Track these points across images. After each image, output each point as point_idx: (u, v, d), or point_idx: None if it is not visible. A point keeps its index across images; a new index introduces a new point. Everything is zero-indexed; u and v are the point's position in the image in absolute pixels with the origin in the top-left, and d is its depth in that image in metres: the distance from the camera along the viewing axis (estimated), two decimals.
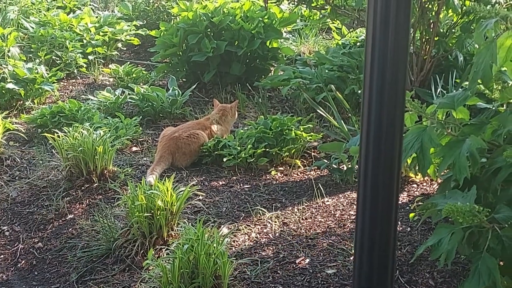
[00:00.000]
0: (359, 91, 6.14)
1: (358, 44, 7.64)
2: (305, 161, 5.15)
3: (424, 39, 6.22)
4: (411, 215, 4.01)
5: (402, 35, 1.39)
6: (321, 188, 4.48)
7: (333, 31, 9.77)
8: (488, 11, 3.44)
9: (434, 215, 3.47)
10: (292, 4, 10.52)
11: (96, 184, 4.66)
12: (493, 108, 3.65)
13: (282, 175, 4.91)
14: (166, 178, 3.92)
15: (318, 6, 6.31)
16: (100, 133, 4.79)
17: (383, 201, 1.43)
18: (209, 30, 7.10)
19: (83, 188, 4.67)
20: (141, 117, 6.01)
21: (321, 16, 8.63)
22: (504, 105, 3.60)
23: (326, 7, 6.35)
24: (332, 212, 4.21)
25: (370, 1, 1.39)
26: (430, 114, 3.56)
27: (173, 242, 3.42)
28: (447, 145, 3.40)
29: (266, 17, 7.22)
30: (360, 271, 1.43)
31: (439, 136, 3.53)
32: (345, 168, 4.75)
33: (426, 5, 5.98)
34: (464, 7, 6.11)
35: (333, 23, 9.92)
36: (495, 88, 3.55)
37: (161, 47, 7.24)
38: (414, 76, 6.19)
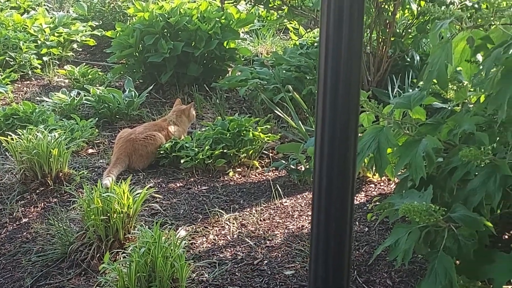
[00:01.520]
0: (317, 91, 6.15)
1: (315, 44, 7.67)
2: (263, 162, 5.15)
3: (380, 40, 6.26)
4: (369, 215, 4.02)
5: (356, 35, 1.38)
6: (279, 189, 4.48)
7: (291, 32, 9.80)
8: (443, 11, 3.46)
9: (391, 215, 3.48)
10: (249, 4, 10.53)
11: (51, 187, 4.59)
12: (449, 108, 3.68)
13: (240, 176, 4.90)
14: (123, 181, 3.88)
15: (275, 6, 6.31)
16: (55, 136, 4.72)
17: (338, 202, 1.42)
18: (165, 30, 7.06)
19: (37, 191, 4.60)
20: (97, 118, 5.96)
21: (278, 16, 8.65)
22: (460, 105, 3.64)
23: (283, 7, 6.35)
24: (290, 213, 4.21)
25: (324, 1, 1.38)
26: (387, 114, 3.58)
27: (130, 246, 3.37)
28: (403, 145, 3.42)
29: (223, 17, 7.20)
30: (315, 273, 1.42)
31: (396, 136, 3.56)
32: (303, 168, 4.76)
33: (383, 6, 6.02)
34: (420, 8, 6.16)
35: (291, 23, 9.94)
36: (451, 88, 3.58)
37: (117, 48, 7.18)
38: (371, 76, 6.23)
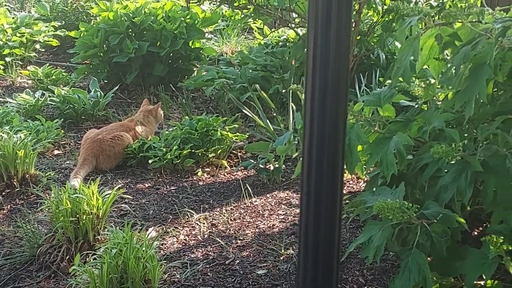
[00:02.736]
0: (283, 91, 6.16)
1: (280, 43, 7.67)
2: (231, 161, 5.13)
3: None
4: None
5: (343, 35, 1.37)
6: (249, 188, 4.46)
7: (255, 31, 9.79)
8: (412, 9, 3.47)
9: (362, 213, 3.48)
10: (214, 4, 10.51)
11: (17, 189, 4.52)
12: (417, 105, 3.70)
13: (209, 176, 4.87)
14: (92, 182, 3.84)
15: (240, 6, 6.29)
16: (20, 137, 4.64)
17: (327, 203, 1.41)
18: (130, 30, 7.00)
19: (3, 193, 4.53)
20: (62, 119, 5.87)
21: (243, 16, 8.63)
22: (428, 102, 3.66)
23: (248, 6, 6.34)
24: (261, 212, 4.20)
25: (311, 3, 1.37)
26: (357, 112, 3.58)
27: (100, 247, 3.33)
28: (374, 142, 3.42)
29: (188, 17, 7.17)
30: (305, 273, 1.41)
31: (366, 133, 3.56)
32: (272, 167, 4.75)
33: None
34: (385, 6, 6.19)
35: (255, 22, 9.94)
36: (419, 86, 3.60)
37: (81, 48, 7.10)
38: None
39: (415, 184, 3.35)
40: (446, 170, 3.15)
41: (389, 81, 5.70)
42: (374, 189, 3.45)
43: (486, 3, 3.86)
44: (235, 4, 6.18)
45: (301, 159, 3.64)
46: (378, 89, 5.64)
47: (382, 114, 3.74)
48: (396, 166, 3.23)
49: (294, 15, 6.76)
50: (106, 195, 3.77)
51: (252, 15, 6.42)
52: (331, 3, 1.36)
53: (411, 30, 3.69)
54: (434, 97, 3.60)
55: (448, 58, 3.49)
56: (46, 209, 3.89)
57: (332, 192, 1.43)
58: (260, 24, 10.13)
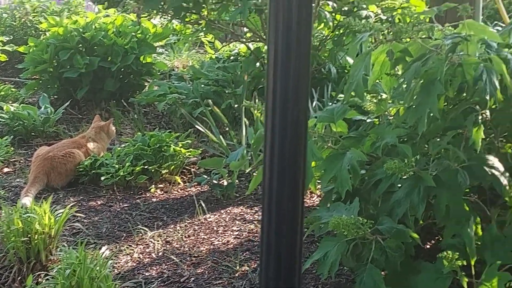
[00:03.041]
0: (236, 106, 6.16)
1: (232, 57, 7.69)
2: (184, 177, 5.11)
3: None
4: None
5: (304, 49, 1.38)
6: (203, 205, 4.44)
7: (206, 45, 9.79)
8: (363, 25, 3.51)
9: (317, 229, 3.49)
10: (164, 18, 10.48)
11: None
12: (368, 120, 3.73)
13: (162, 192, 4.84)
14: (43, 200, 3.78)
15: (192, 21, 6.29)
16: None
17: (288, 220, 1.42)
18: (80, 45, 6.94)
19: None
20: (12, 136, 5.77)
21: (194, 30, 8.62)
22: (380, 117, 3.69)
23: (200, 21, 6.33)
24: (215, 228, 4.18)
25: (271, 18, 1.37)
26: (310, 128, 3.59)
27: (53, 267, 3.28)
28: (328, 158, 3.44)
29: (139, 32, 7.14)
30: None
31: (320, 149, 3.58)
32: (225, 183, 4.74)
33: None
34: (336, 21, 6.24)
35: (206, 36, 9.94)
36: (371, 101, 3.63)
37: (31, 64, 7.01)
38: None
39: (368, 199, 3.37)
40: (399, 185, 3.19)
41: (341, 95, 5.76)
42: (329, 205, 3.48)
43: (435, 19, 3.93)
44: (187, 19, 6.17)
45: (254, 174, 3.62)
46: (330, 104, 5.70)
47: (335, 129, 3.77)
48: (350, 182, 3.25)
49: (245, 29, 6.78)
50: (58, 213, 3.71)
51: (204, 29, 6.41)
52: (291, 17, 1.37)
53: (361, 46, 3.73)
54: (386, 112, 3.64)
55: (399, 73, 3.53)
56: None
57: (293, 208, 1.43)
58: (212, 38, 10.15)
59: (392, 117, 3.61)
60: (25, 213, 3.63)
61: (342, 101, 3.68)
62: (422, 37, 3.31)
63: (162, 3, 5.96)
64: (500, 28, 4.89)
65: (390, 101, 3.66)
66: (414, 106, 3.12)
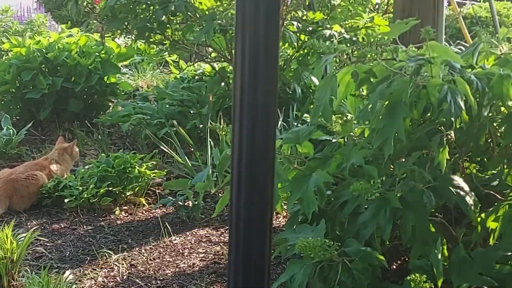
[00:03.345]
0: (201, 126, 6.14)
1: (196, 77, 7.67)
2: (149, 199, 5.06)
3: None
4: None
5: (272, 65, 1.37)
6: (168, 227, 4.39)
7: (171, 65, 9.77)
8: (327, 46, 3.52)
9: (283, 251, 3.48)
10: (128, 37, 10.44)
11: None
12: (334, 140, 3.74)
13: (127, 214, 4.79)
14: (5, 224, 3.71)
15: (156, 41, 6.26)
16: None
17: (257, 241, 1.41)
18: (43, 66, 6.87)
19: None
20: None
21: (158, 50, 8.60)
22: (345, 138, 3.69)
23: (164, 42, 6.31)
24: (181, 251, 4.14)
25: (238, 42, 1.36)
26: (276, 149, 3.57)
27: None
28: (294, 180, 3.43)
29: (103, 52, 7.09)
30: None
31: (286, 170, 3.57)
32: (191, 204, 4.70)
33: None
34: (300, 41, 6.26)
35: (170, 56, 9.92)
36: (336, 122, 3.63)
37: None
38: None
39: (335, 221, 3.36)
40: (366, 206, 3.19)
41: (306, 115, 5.76)
42: (295, 226, 3.46)
43: (398, 40, 3.96)
44: (151, 40, 6.14)
45: (220, 195, 3.59)
46: (296, 124, 5.70)
47: (301, 150, 3.76)
48: (316, 204, 3.24)
49: (210, 49, 6.78)
50: (20, 238, 3.65)
51: (168, 50, 6.40)
52: (258, 36, 1.35)
53: (326, 67, 3.74)
54: (352, 133, 3.64)
55: (364, 94, 3.55)
56: None
57: (261, 229, 1.42)
58: (176, 58, 10.13)
59: (357, 138, 3.62)
60: None
61: (308, 122, 3.68)
62: (387, 58, 3.33)
63: (126, 24, 5.93)
64: (463, 48, 4.96)
65: (355, 122, 3.67)
66: (379, 128, 3.13)
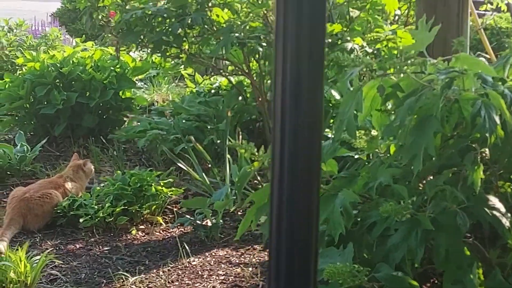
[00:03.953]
0: (218, 141, 6.00)
1: (212, 91, 7.55)
2: (166, 217, 4.92)
3: None
4: None
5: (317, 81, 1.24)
6: (186, 247, 4.24)
7: (186, 79, 9.66)
8: (352, 59, 3.39)
9: None
10: (143, 51, 10.34)
11: None
12: (356, 156, 3.61)
13: (144, 234, 4.65)
14: (19, 244, 3.59)
15: (172, 54, 6.14)
16: None
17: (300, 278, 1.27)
18: (58, 81, 6.76)
19: None
20: None
21: (174, 63, 8.50)
22: (370, 155, 3.55)
23: (181, 55, 6.19)
24: (200, 273, 3.99)
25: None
26: None
27: None
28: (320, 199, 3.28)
29: (118, 66, 6.98)
30: None
31: None
32: (209, 223, 4.56)
33: None
34: None
35: (185, 70, 9.81)
36: (360, 138, 3.49)
37: (6, 100, 6.82)
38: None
39: (362, 243, 3.22)
40: (396, 228, 3.04)
41: (327, 130, 5.61)
42: (320, 249, 3.32)
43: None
44: (167, 53, 6.02)
45: (239, 213, 3.45)
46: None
47: (324, 168, 3.62)
48: (343, 225, 3.10)
49: (227, 62, 6.65)
50: (35, 261, 3.52)
51: (184, 63, 6.27)
52: (301, 50, 1.23)
53: (355, 80, 3.59)
54: (377, 150, 3.50)
55: (390, 108, 3.42)
56: None
57: (306, 264, 1.28)
58: (192, 71, 10.02)
59: (382, 155, 3.47)
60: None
61: (332, 139, 3.54)
62: (415, 71, 3.20)
63: (142, 37, 5.81)
64: (484, 59, 4.78)
65: (380, 138, 3.53)
66: (408, 144, 3.00)
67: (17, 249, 3.51)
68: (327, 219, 3.17)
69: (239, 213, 4.98)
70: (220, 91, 7.58)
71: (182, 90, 9.45)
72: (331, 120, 6.36)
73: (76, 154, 5.39)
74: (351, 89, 3.43)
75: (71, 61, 6.81)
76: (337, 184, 3.37)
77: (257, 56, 5.90)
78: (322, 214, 3.20)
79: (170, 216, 4.95)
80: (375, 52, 6.02)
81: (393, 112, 3.38)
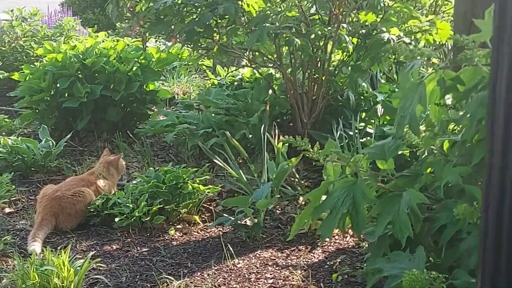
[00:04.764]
0: (250, 136, 5.87)
1: (235, 83, 7.42)
2: (203, 216, 4.79)
3: (311, 79, 6.03)
4: (334, 276, 3.74)
5: None
6: (230, 248, 4.10)
7: (206, 70, 9.53)
8: (411, 50, 3.28)
9: (370, 279, 3.21)
10: (160, 42, 10.20)
11: None
12: (416, 152, 3.50)
13: (181, 234, 4.52)
14: (49, 245, 3.45)
15: (202, 45, 5.99)
16: None
17: None
18: (79, 73, 6.63)
19: None
20: (12, 173, 5.39)
21: (197, 55, 8.35)
22: (427, 151, 3.41)
23: (209, 46, 6.04)
24: (246, 276, 3.86)
25: None
26: (353, 164, 3.30)
27: None
28: (382, 201, 3.16)
29: (142, 57, 6.84)
30: None
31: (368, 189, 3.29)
32: (248, 222, 4.44)
33: (316, 43, 5.81)
34: (352, 45, 5.96)
35: (202, 61, 9.68)
36: (421, 133, 3.36)
37: (27, 92, 6.69)
38: (306, 117, 5.98)
39: (428, 246, 3.10)
40: (468, 231, 2.91)
41: (362, 123, 5.45)
42: (380, 253, 3.19)
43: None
44: (200, 45, 5.88)
45: (300, 216, 3.31)
46: (351, 133, 5.41)
47: (381, 167, 3.49)
48: (410, 228, 2.98)
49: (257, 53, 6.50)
50: (78, 265, 3.39)
51: (214, 55, 6.12)
52: None
53: (416, 73, 3.45)
54: (433, 146, 3.36)
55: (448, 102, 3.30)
56: (10, 285, 3.46)
57: None
58: (210, 62, 9.88)
59: (437, 151, 3.34)
60: (41, 264, 3.31)
61: (393, 135, 3.40)
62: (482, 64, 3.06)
63: (172, 27, 5.67)
64: None
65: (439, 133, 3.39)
66: (480, 140, 2.89)
67: (59, 253, 3.37)
68: (393, 221, 3.04)
69: (277, 211, 4.86)
70: (243, 83, 7.45)
71: (202, 82, 9.31)
72: (363, 114, 6.23)
73: (107, 150, 5.26)
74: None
75: (94, 52, 6.67)
76: (399, 183, 3.24)
77: (291, 48, 5.75)
78: (387, 216, 3.09)
79: (205, 214, 4.82)
80: (413, 43, 5.87)
81: (453, 107, 3.26)
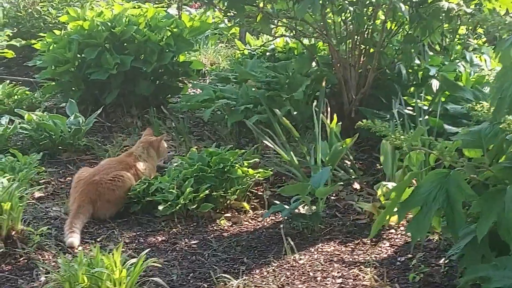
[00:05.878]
0: (295, 113, 5.53)
1: (267, 54, 7.09)
2: (252, 203, 4.46)
3: (359, 51, 5.68)
4: (411, 276, 3.41)
5: None
6: (291, 242, 3.76)
7: (235, 40, 9.19)
8: (504, 22, 2.95)
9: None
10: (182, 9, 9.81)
11: (2, 250, 3.72)
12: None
13: (231, 223, 4.20)
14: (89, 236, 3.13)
15: (246, 13, 5.63)
16: (2, 183, 3.88)
17: None
18: (107, 42, 6.27)
19: None
20: (40, 152, 5.04)
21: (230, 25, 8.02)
22: None
23: (251, 15, 5.68)
24: (311, 274, 3.53)
25: None
26: (447, 153, 2.96)
27: None
28: (484, 196, 2.83)
29: (173, 25, 6.48)
30: None
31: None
32: (302, 211, 4.11)
33: (365, 11, 5.44)
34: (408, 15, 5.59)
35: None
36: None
37: (50, 63, 6.34)
38: (353, 92, 5.64)
39: None
40: None
41: (413, 100, 5.06)
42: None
43: None
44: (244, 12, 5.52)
45: (384, 211, 2.95)
46: (406, 111, 5.04)
47: (468, 154, 3.16)
48: None
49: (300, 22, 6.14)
50: (130, 264, 3.07)
51: (256, 24, 5.76)
52: None
53: None
54: None
55: None
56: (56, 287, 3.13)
57: None
58: (237, 31, 9.52)
59: None
60: (89, 264, 2.99)
61: (490, 120, 3.06)
62: None
63: None
64: None
65: None
66: None
67: (111, 252, 3.05)
68: (499, 222, 2.72)
69: (331, 197, 4.53)
70: (275, 54, 7.11)
71: (230, 52, 8.96)
72: (412, 89, 5.88)
73: (149, 129, 4.93)
74: None
75: (122, 20, 6.30)
76: (500, 175, 2.90)
77: (344, 16, 5.40)
78: (490, 215, 2.76)
79: (255, 201, 4.50)
80: (473, 12, 5.50)
81: None
